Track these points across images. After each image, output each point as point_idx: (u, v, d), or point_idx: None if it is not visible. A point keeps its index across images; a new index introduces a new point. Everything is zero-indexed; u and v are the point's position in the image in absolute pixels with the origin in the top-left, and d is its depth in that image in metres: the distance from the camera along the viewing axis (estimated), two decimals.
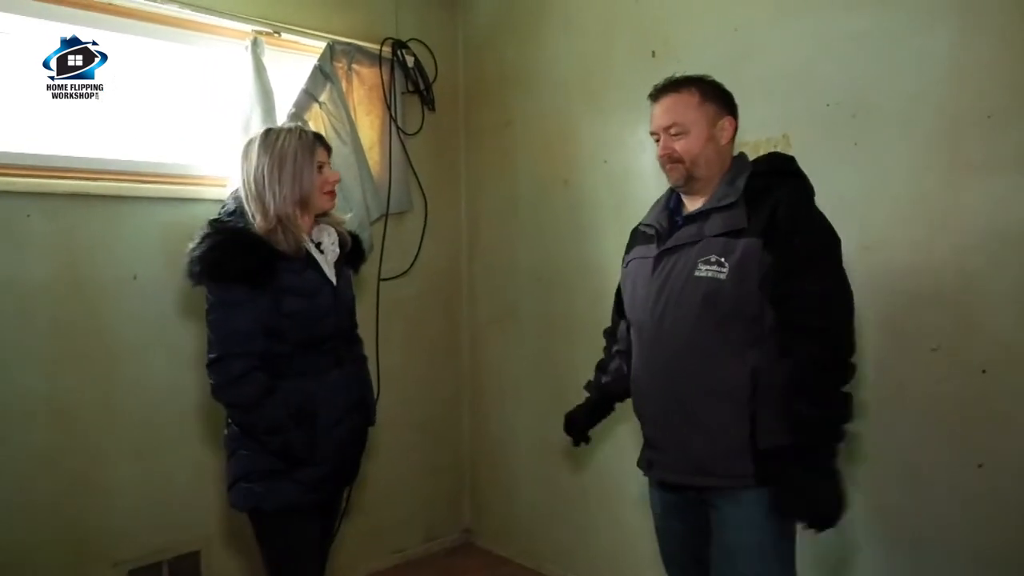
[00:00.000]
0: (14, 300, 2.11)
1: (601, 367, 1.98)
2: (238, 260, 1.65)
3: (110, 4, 2.25)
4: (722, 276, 1.50)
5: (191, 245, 1.68)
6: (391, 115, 2.89)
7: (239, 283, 1.65)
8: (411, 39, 2.97)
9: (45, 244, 2.16)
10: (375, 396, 2.79)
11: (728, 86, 2.32)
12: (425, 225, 3.05)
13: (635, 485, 1.88)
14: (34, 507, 2.14)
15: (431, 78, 3.02)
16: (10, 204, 2.09)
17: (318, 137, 1.84)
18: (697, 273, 1.54)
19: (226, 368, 1.66)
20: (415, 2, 3.03)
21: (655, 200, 1.84)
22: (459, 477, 3.32)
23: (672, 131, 1.62)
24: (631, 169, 2.59)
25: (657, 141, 1.67)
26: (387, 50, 2.86)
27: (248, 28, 2.47)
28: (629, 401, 1.83)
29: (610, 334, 1.99)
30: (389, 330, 2.92)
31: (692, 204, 1.68)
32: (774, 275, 1.48)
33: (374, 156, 2.87)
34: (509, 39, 3.03)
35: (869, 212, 1.98)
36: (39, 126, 2.18)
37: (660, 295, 1.61)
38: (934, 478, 1.90)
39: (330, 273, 1.82)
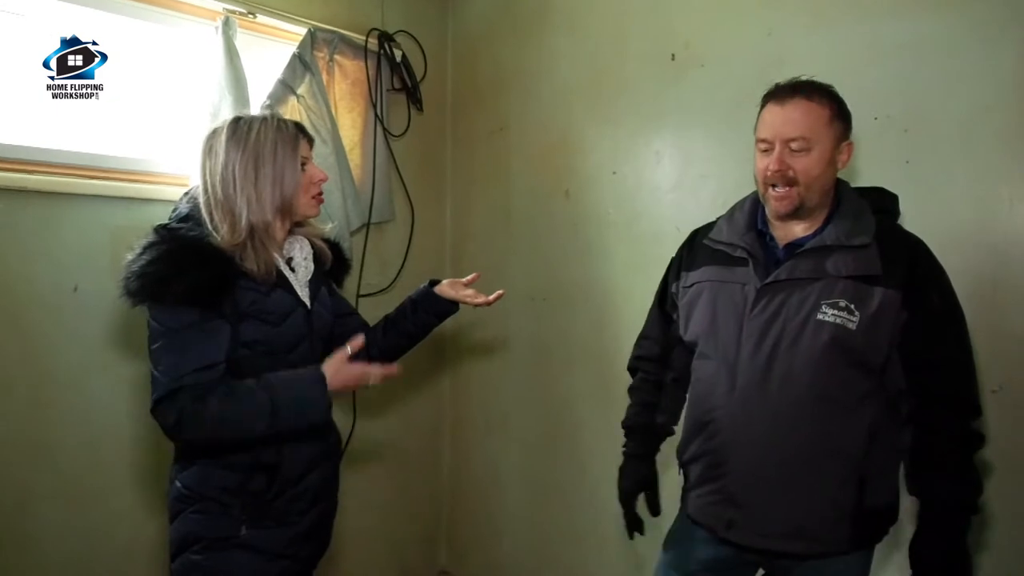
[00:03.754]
0: None
1: (649, 403, 1.71)
2: (186, 276, 1.33)
3: None
4: (851, 325, 1.34)
5: (129, 256, 1.36)
6: (376, 113, 2.61)
7: (187, 305, 1.34)
8: (398, 31, 2.70)
9: None
10: (352, 425, 2.54)
11: (759, 96, 2.12)
12: (411, 237, 2.77)
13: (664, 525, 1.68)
14: None
15: (419, 76, 2.75)
16: None
17: (299, 127, 1.54)
18: (820, 316, 1.36)
19: (178, 406, 1.33)
20: None
21: (698, 215, 1.68)
22: (436, 515, 3.03)
23: (795, 145, 1.40)
24: (644, 181, 2.36)
25: (764, 151, 1.44)
26: (373, 42, 2.58)
27: (219, 6, 2.16)
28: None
29: (659, 360, 1.72)
30: None
31: (788, 228, 1.48)
32: (910, 335, 1.35)
33: (355, 158, 2.58)
34: (506, 37, 2.78)
35: (922, 238, 1.78)
36: None
37: (766, 335, 1.41)
38: (1005, 533, 1.71)
39: (303, 294, 1.53)
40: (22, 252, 1.89)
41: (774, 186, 1.42)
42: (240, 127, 1.46)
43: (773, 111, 1.44)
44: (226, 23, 2.15)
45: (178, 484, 1.46)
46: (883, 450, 1.38)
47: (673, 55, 2.27)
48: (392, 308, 2.77)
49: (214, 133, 1.48)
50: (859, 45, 1.90)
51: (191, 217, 1.46)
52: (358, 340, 1.51)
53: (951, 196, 1.76)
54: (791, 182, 1.40)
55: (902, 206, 1.78)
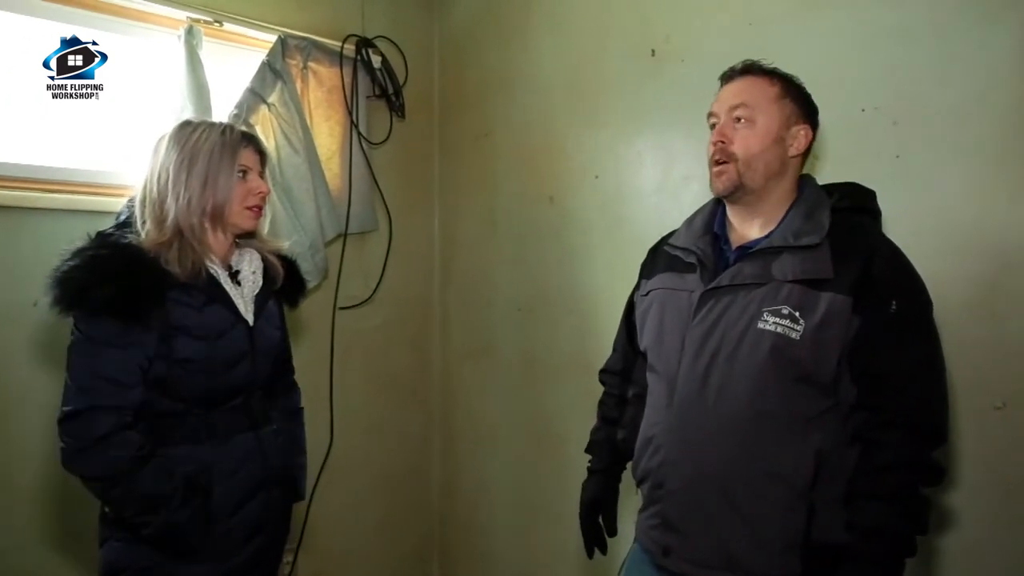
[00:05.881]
0: None
1: (611, 418, 1.62)
2: (108, 285, 1.27)
3: None
4: (794, 335, 1.21)
5: (58, 263, 1.31)
6: (353, 121, 2.54)
7: (108, 315, 1.28)
8: (378, 37, 2.63)
9: None
10: (328, 444, 2.46)
11: None
12: (390, 247, 2.69)
13: (627, 546, 1.56)
14: None
15: (401, 81, 2.68)
16: None
17: (248, 136, 1.50)
18: (761, 325, 1.24)
19: (86, 426, 1.27)
20: None
21: (680, 218, 1.54)
22: (427, 536, 2.92)
23: (736, 113, 1.33)
24: (626, 186, 2.25)
25: (712, 126, 1.38)
26: (350, 48, 2.51)
27: (182, 15, 2.12)
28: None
29: (621, 374, 1.63)
30: (346, 366, 2.54)
31: (744, 229, 1.37)
32: (862, 344, 1.21)
33: (333, 167, 2.51)
34: (491, 40, 2.70)
35: (915, 239, 1.61)
36: None
37: (704, 345, 1.30)
38: (998, 562, 1.55)
39: (244, 309, 1.45)
40: None
41: (716, 163, 1.35)
42: (186, 129, 1.45)
43: (723, 90, 1.41)
44: (189, 32, 2.09)
45: (105, 508, 1.40)
46: (836, 478, 1.22)
47: (653, 50, 2.15)
48: (373, 321, 2.71)
49: (162, 136, 1.46)
50: (844, 31, 1.77)
51: (129, 224, 1.43)
52: None
53: (945, 193, 1.62)
54: (729, 157, 1.33)
55: (892, 204, 1.63)
